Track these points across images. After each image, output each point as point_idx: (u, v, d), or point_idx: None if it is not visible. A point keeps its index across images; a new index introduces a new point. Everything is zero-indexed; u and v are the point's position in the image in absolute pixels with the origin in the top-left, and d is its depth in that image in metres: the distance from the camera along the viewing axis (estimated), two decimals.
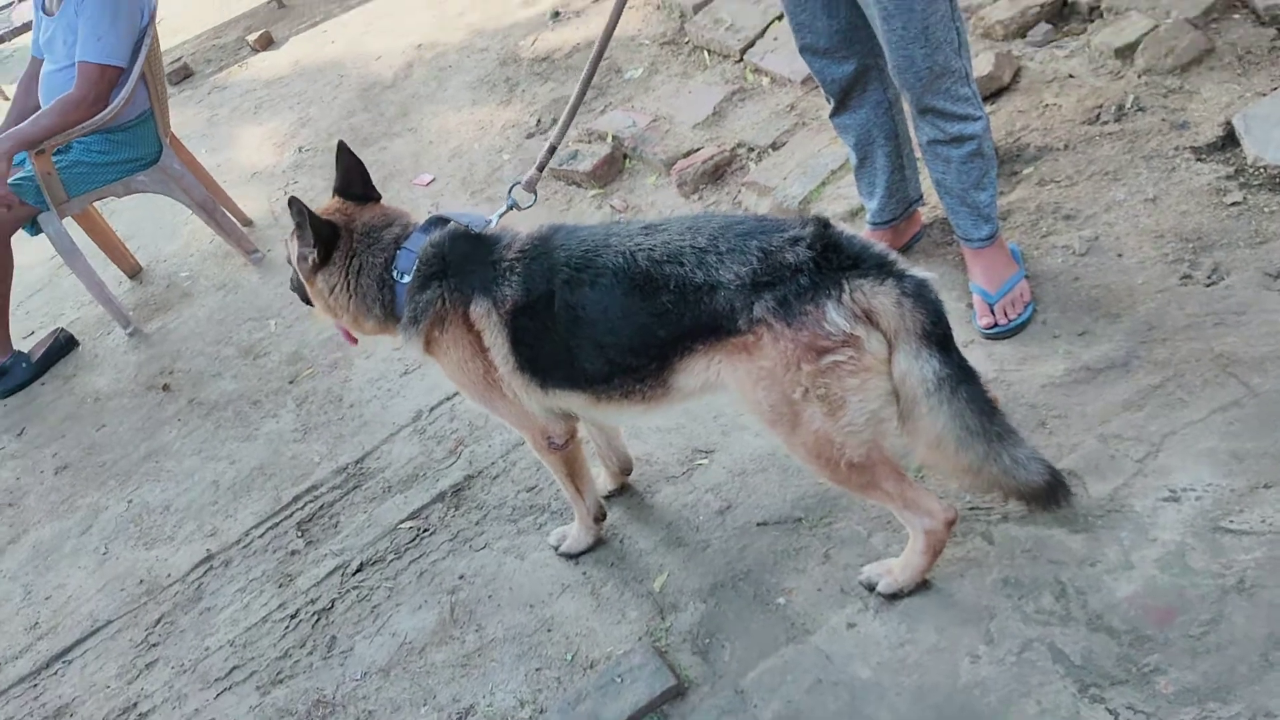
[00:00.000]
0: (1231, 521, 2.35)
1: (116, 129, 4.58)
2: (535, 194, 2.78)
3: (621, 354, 2.33)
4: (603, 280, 2.29)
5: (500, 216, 2.62)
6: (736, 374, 2.23)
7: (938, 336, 2.13)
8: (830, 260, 2.12)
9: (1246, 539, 2.30)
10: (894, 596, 2.50)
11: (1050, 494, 2.26)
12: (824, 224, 2.17)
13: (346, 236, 2.56)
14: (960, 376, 2.15)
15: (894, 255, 2.18)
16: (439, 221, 2.56)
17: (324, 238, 2.52)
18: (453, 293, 2.45)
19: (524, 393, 2.51)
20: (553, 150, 2.80)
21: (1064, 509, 2.30)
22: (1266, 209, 3.00)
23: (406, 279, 2.51)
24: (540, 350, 2.42)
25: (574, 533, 2.96)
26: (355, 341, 2.83)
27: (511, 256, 2.42)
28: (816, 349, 2.11)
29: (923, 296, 2.12)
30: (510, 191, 2.74)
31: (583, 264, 2.32)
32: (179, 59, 7.57)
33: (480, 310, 2.43)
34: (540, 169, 2.79)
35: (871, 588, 2.53)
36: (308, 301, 2.77)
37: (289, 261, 2.72)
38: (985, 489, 2.40)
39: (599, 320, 2.32)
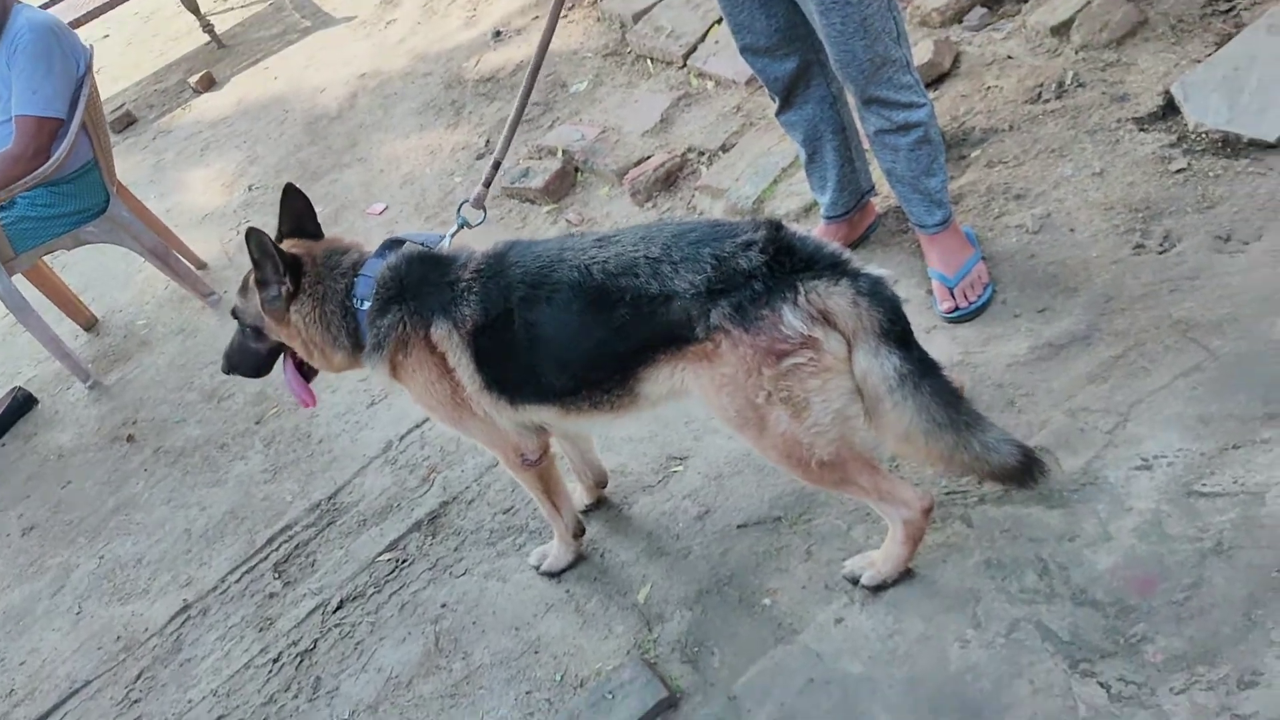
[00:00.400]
0: (1204, 485, 2.36)
1: (61, 181, 4.50)
2: (485, 210, 2.77)
3: (584, 369, 2.32)
4: (559, 296, 2.27)
5: (452, 236, 2.60)
6: (700, 381, 2.23)
7: (896, 334, 2.14)
8: (784, 263, 2.12)
9: (1220, 501, 2.32)
10: (878, 588, 2.49)
11: (1026, 472, 2.26)
12: (776, 226, 2.17)
13: (310, 264, 2.53)
14: (922, 371, 2.16)
15: (848, 254, 2.18)
16: (394, 244, 2.53)
17: (292, 266, 2.49)
18: (412, 315, 2.43)
19: (494, 410, 2.49)
20: (498, 166, 2.79)
21: (1041, 485, 2.31)
22: (1211, 173, 3.04)
23: (366, 305, 2.48)
24: (505, 368, 2.40)
25: (554, 551, 2.94)
26: (313, 402, 2.78)
27: (468, 276, 2.40)
28: (775, 353, 2.11)
29: (878, 294, 2.12)
30: (459, 210, 2.72)
31: (538, 280, 2.31)
32: (121, 106, 7.47)
33: (441, 332, 2.40)
34: (487, 185, 2.78)
35: (855, 581, 2.53)
36: (254, 371, 2.75)
37: (237, 315, 2.66)
38: (960, 474, 2.41)
39: (558, 337, 2.31)
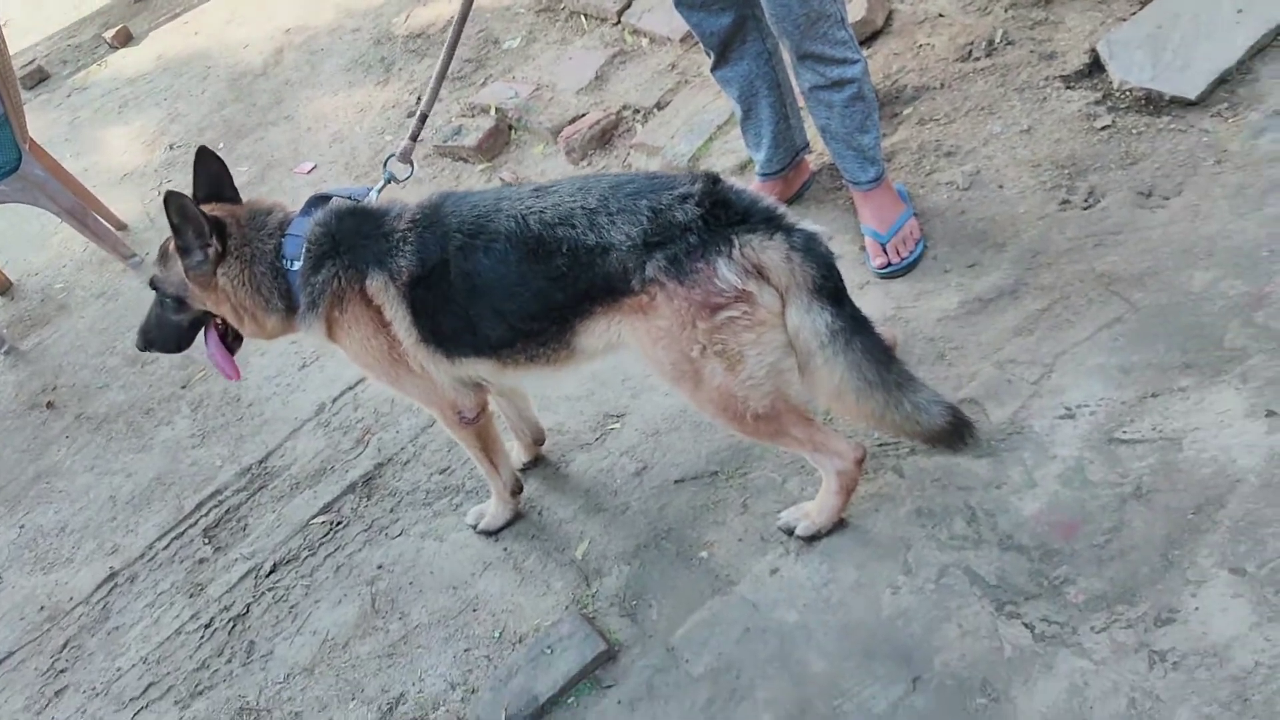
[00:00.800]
0: (1124, 432, 2.43)
1: None
2: (412, 165, 2.71)
3: (521, 319, 2.30)
4: (496, 246, 2.25)
5: (379, 191, 2.55)
6: (636, 333, 2.22)
7: (829, 290, 2.15)
8: (719, 216, 2.12)
9: (1140, 447, 2.39)
10: (812, 538, 2.53)
11: (954, 433, 2.28)
12: (713, 179, 2.17)
13: (234, 226, 2.45)
14: (854, 328, 2.18)
15: (783, 209, 2.19)
16: (320, 200, 2.47)
17: (216, 228, 2.40)
18: (347, 270, 2.38)
19: (431, 364, 2.46)
20: (424, 119, 2.73)
21: (968, 447, 2.33)
22: (1134, 130, 3.10)
23: (298, 265, 2.42)
24: (441, 320, 2.37)
25: (491, 509, 2.93)
26: (238, 375, 2.69)
27: (403, 227, 2.36)
28: (710, 306, 2.11)
29: (812, 250, 2.13)
30: (386, 165, 2.67)
31: (475, 230, 2.28)
32: (31, 61, 7.16)
33: (377, 284, 2.36)
34: (414, 138, 2.72)
35: (790, 532, 2.56)
36: (175, 345, 2.67)
37: (156, 286, 2.56)
38: (891, 434, 2.44)
39: (495, 287, 2.28)
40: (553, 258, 2.20)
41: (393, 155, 2.68)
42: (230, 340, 2.65)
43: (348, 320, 2.43)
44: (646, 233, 2.13)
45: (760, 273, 2.11)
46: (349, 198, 2.47)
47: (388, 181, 2.62)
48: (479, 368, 2.46)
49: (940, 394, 2.29)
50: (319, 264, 2.40)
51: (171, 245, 2.47)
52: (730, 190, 2.17)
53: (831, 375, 2.19)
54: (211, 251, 2.41)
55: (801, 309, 2.15)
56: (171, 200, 2.31)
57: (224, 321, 2.59)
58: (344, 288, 2.39)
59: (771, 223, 2.14)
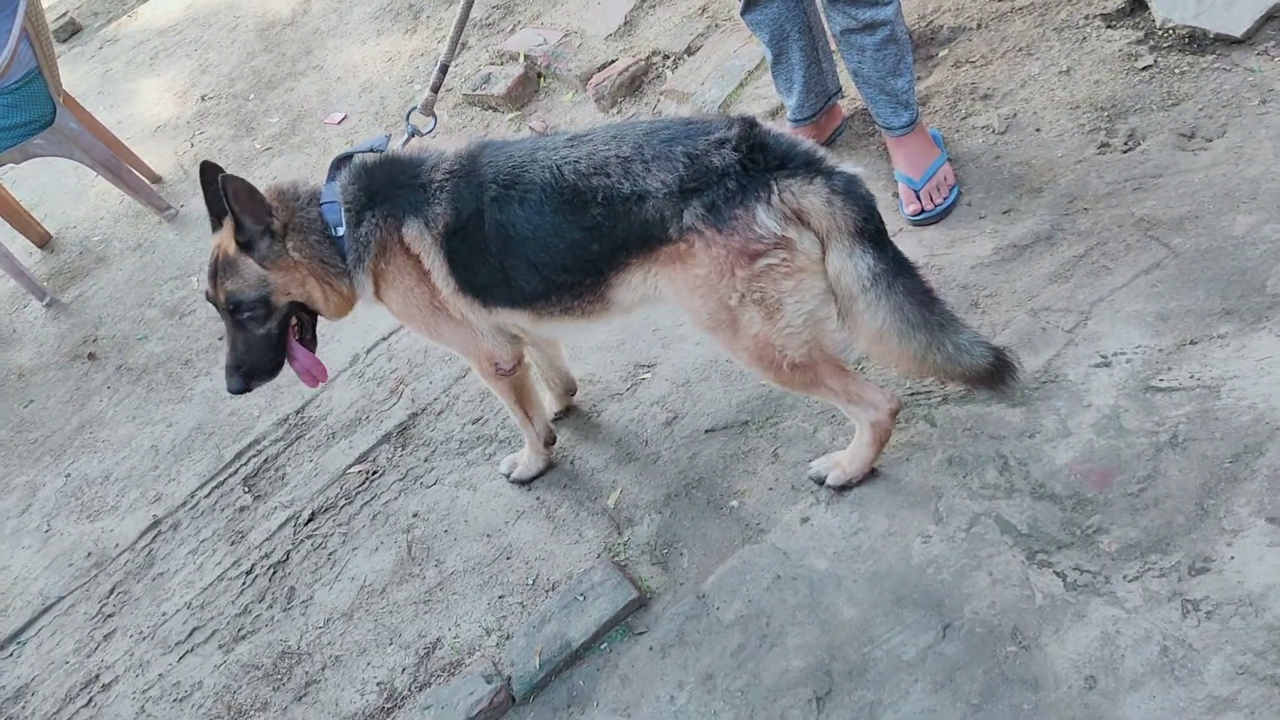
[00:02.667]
0: (1161, 380, 2.40)
1: (4, 92, 4.34)
2: (434, 117, 2.70)
3: (556, 271, 2.30)
4: (531, 196, 2.25)
5: (404, 145, 2.54)
6: (674, 284, 2.22)
7: (870, 232, 2.12)
8: (757, 161, 2.09)
9: (1176, 395, 2.36)
10: (843, 488, 2.53)
11: (996, 375, 2.25)
12: (750, 123, 2.14)
13: (275, 200, 2.40)
14: (896, 270, 2.15)
15: (822, 152, 2.15)
16: (342, 162, 2.46)
17: (271, 206, 2.35)
18: (386, 219, 2.38)
19: (469, 313, 2.47)
20: (444, 69, 2.70)
21: (1010, 388, 2.30)
22: (1177, 70, 3.02)
23: (342, 229, 2.40)
24: (477, 271, 2.37)
25: (524, 459, 2.95)
26: (326, 375, 2.62)
27: (440, 177, 2.35)
28: (749, 253, 2.09)
29: (853, 193, 2.10)
30: (408, 118, 2.65)
31: (510, 180, 2.28)
32: (64, 14, 7.18)
33: (413, 232, 2.36)
34: (435, 90, 2.70)
35: (821, 481, 2.57)
36: (272, 363, 2.50)
37: (231, 305, 2.40)
38: (930, 375, 2.42)
39: (530, 239, 2.28)
40: (588, 208, 2.19)
41: (414, 108, 2.67)
42: (307, 340, 2.60)
43: (391, 271, 2.43)
44: (683, 179, 2.11)
45: (800, 218, 2.09)
46: (371, 149, 2.46)
47: (411, 135, 2.59)
48: (514, 319, 2.47)
49: (982, 335, 2.26)
50: (360, 218, 2.40)
51: (223, 256, 2.39)
52: (768, 134, 2.14)
53: (875, 318, 2.17)
54: (277, 226, 2.37)
55: (844, 253, 2.12)
56: (231, 183, 2.24)
57: (298, 323, 2.54)
58: (385, 237, 2.39)
59: (811, 166, 2.11)
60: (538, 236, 2.27)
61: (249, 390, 2.54)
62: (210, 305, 2.52)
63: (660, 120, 2.38)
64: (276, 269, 2.40)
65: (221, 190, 2.27)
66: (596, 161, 2.19)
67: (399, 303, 2.50)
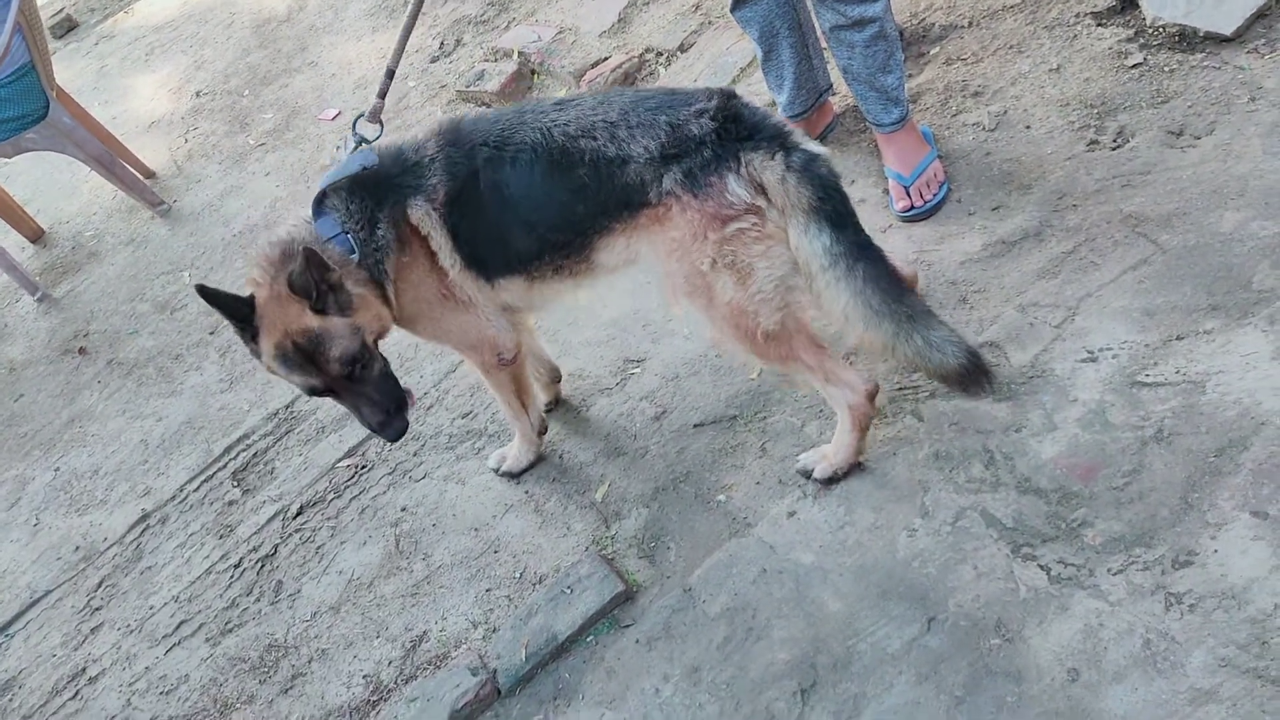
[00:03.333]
0: (1147, 375, 2.41)
1: None
2: (381, 124, 2.58)
3: (549, 230, 2.34)
4: (522, 157, 2.29)
5: (353, 153, 2.43)
6: (653, 247, 2.28)
7: (828, 213, 2.17)
8: (730, 131, 2.17)
9: (1162, 390, 2.36)
10: (830, 480, 2.54)
11: (969, 376, 2.24)
12: (729, 95, 2.21)
13: (308, 256, 2.22)
14: (857, 254, 2.19)
15: (790, 128, 2.22)
16: (324, 197, 2.38)
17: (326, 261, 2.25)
18: (393, 208, 2.36)
19: (476, 292, 2.47)
20: (391, 75, 2.61)
21: (983, 392, 2.29)
22: (1166, 68, 3.03)
23: (355, 255, 2.34)
24: (478, 238, 2.38)
25: (514, 451, 2.95)
26: (412, 399, 2.52)
27: (431, 150, 2.36)
28: (721, 218, 2.17)
29: (810, 171, 2.16)
30: (354, 126, 2.52)
31: (501, 141, 2.31)
32: (61, 10, 7.17)
33: (419, 211, 2.36)
34: (382, 96, 2.59)
35: (808, 474, 2.57)
36: (399, 399, 2.42)
37: (348, 360, 2.30)
38: (905, 366, 2.43)
39: (523, 198, 2.32)
40: (575, 169, 2.25)
41: (361, 115, 2.56)
42: None
43: (405, 264, 2.40)
44: (664, 146, 2.19)
45: (762, 191, 2.17)
46: (342, 175, 2.38)
47: (358, 144, 2.47)
48: (513, 288, 2.48)
49: (960, 335, 2.26)
50: (370, 226, 2.35)
51: (309, 334, 2.26)
52: (743, 106, 2.22)
53: (836, 299, 2.22)
54: (336, 276, 2.27)
55: (799, 229, 2.19)
56: (309, 258, 2.17)
57: None
58: (398, 229, 2.36)
59: (776, 140, 2.18)
60: (530, 196, 2.32)
61: (403, 432, 2.46)
62: (271, 363, 2.33)
63: (646, 90, 2.43)
64: (357, 311, 2.33)
65: (307, 268, 2.17)
66: (584, 125, 2.27)
67: (409, 297, 2.46)
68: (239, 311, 2.29)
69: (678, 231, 2.21)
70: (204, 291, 2.23)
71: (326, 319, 2.28)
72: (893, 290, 2.20)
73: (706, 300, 2.28)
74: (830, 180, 2.17)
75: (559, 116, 2.29)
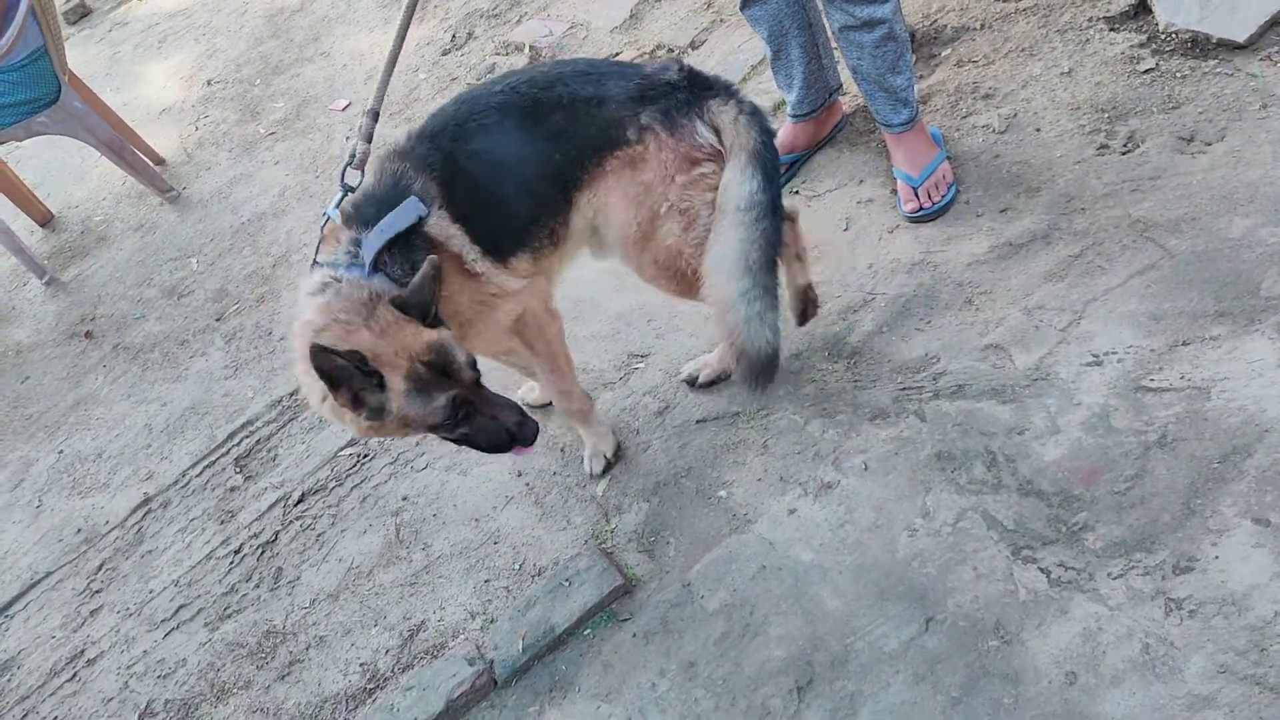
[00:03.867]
0: (1152, 380, 2.40)
1: (9, 69, 4.34)
2: (363, 174, 2.38)
3: (540, 184, 2.34)
4: (489, 119, 2.30)
5: (337, 205, 2.29)
6: (620, 192, 2.33)
7: (765, 161, 2.29)
8: (694, 83, 2.32)
9: (1167, 395, 2.36)
10: (710, 384, 2.86)
11: (762, 366, 2.37)
12: (680, 64, 2.34)
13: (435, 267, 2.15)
14: (771, 210, 2.30)
15: (736, 85, 2.39)
16: (316, 268, 2.27)
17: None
18: (406, 231, 2.22)
19: (502, 279, 2.36)
20: (375, 116, 2.42)
21: (756, 391, 2.50)
22: (1178, 74, 3.01)
23: (385, 273, 2.22)
24: (483, 216, 2.31)
25: (593, 439, 2.84)
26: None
27: (404, 157, 2.28)
28: (691, 159, 2.29)
29: (758, 116, 2.33)
30: (343, 175, 2.33)
31: (467, 114, 2.32)
32: None
33: (432, 220, 2.24)
34: (368, 140, 2.39)
35: (692, 382, 2.86)
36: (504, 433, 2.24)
37: (442, 424, 2.15)
38: (720, 331, 2.44)
39: (506, 159, 2.32)
40: (551, 114, 2.29)
41: (349, 164, 2.35)
42: None
43: (444, 282, 2.24)
44: (641, 88, 2.30)
45: (718, 135, 2.30)
46: (396, 231, 2.23)
47: (345, 194, 2.31)
48: (521, 265, 2.39)
49: (778, 328, 2.37)
50: (406, 254, 2.23)
51: (425, 350, 2.10)
52: (696, 70, 2.37)
53: (727, 242, 2.31)
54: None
55: (737, 168, 2.30)
56: (434, 272, 2.11)
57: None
58: (427, 235, 2.25)
59: (728, 91, 2.35)
60: (512, 154, 2.33)
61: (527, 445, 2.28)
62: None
63: (600, 60, 2.51)
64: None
65: (425, 282, 2.09)
66: (552, 76, 2.34)
67: (452, 311, 2.31)
68: (362, 365, 2.04)
69: (649, 174, 2.29)
70: (318, 354, 1.96)
71: (440, 329, 2.15)
72: (770, 259, 2.32)
73: (645, 244, 2.39)
74: (772, 132, 2.34)
75: (524, 75, 2.36)
